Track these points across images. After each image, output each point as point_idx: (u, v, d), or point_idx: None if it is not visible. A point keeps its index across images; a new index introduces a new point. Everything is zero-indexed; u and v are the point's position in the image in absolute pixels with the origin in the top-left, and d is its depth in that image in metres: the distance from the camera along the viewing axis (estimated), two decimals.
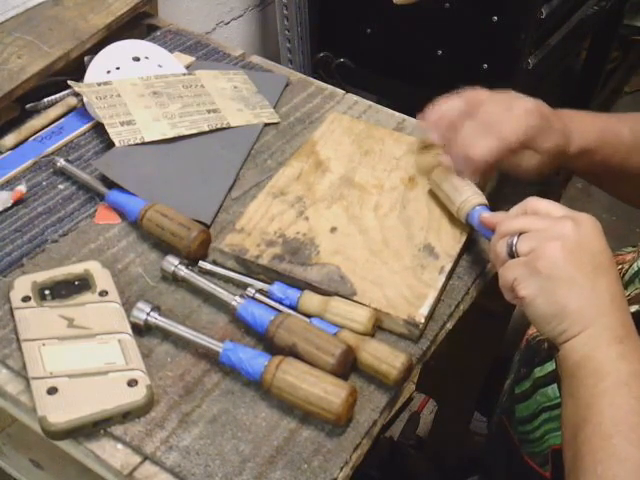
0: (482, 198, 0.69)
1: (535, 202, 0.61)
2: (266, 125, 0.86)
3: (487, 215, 0.66)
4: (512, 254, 0.59)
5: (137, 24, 0.99)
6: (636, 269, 0.71)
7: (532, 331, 0.85)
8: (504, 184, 0.77)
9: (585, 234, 0.57)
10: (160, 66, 0.90)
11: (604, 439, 0.51)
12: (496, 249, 0.61)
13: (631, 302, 0.68)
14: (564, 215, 0.59)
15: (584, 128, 0.72)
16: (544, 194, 0.79)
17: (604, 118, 0.75)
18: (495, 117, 0.68)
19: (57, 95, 0.86)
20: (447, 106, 0.72)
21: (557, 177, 0.81)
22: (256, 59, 0.98)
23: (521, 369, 0.81)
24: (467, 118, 0.70)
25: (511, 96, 0.71)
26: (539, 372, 0.75)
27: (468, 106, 0.71)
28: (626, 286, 0.72)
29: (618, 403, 0.52)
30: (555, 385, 0.74)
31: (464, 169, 0.69)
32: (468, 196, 0.69)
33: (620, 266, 0.76)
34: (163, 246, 0.70)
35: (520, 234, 0.59)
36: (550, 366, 0.76)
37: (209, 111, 0.84)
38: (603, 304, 0.55)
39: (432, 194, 0.74)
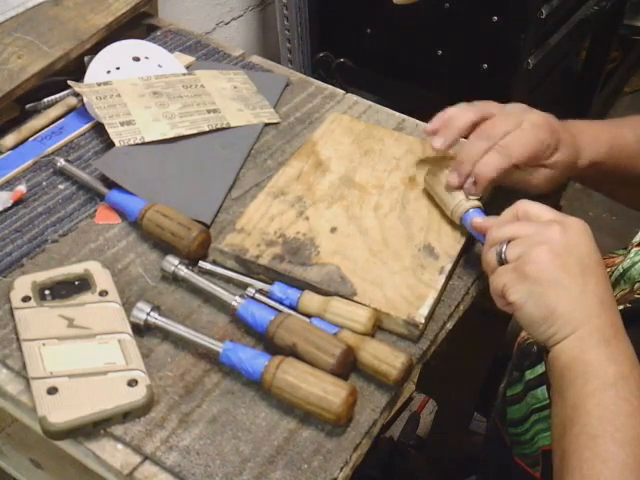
0: (474, 201, 0.69)
1: (525, 205, 0.61)
2: (266, 125, 0.86)
3: (479, 220, 0.66)
4: (502, 261, 0.59)
5: (137, 24, 0.99)
6: (621, 270, 0.71)
7: (523, 334, 0.85)
8: (503, 186, 0.76)
9: (572, 237, 0.57)
10: (160, 66, 0.90)
11: (590, 439, 0.52)
12: (486, 258, 0.61)
13: (618, 302, 0.69)
14: (552, 219, 0.59)
15: (594, 141, 0.72)
16: (544, 195, 0.79)
17: (611, 127, 0.75)
18: (503, 133, 0.67)
19: (57, 95, 0.87)
20: (457, 114, 0.70)
21: None
22: (256, 59, 0.98)
23: (513, 372, 0.81)
24: (475, 130, 0.69)
25: (521, 110, 0.70)
26: (530, 375, 0.75)
27: (478, 118, 0.70)
28: (612, 287, 0.72)
29: (605, 404, 0.53)
30: (545, 387, 0.74)
31: (469, 185, 0.69)
32: (460, 199, 0.69)
33: (609, 269, 0.76)
34: (163, 246, 0.70)
35: (509, 241, 0.59)
36: (540, 368, 0.76)
37: (209, 111, 0.84)
38: (592, 306, 0.56)
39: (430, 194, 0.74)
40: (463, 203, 0.68)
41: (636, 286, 0.68)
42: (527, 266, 0.56)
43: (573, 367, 0.55)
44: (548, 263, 0.56)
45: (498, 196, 0.76)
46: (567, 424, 0.54)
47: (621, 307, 0.68)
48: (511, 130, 0.68)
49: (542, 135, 0.68)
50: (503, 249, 0.59)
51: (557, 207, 0.84)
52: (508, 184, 0.72)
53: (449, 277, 0.68)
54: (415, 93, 1.47)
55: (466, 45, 1.43)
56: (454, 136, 0.70)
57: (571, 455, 0.52)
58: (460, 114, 0.70)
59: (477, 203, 0.69)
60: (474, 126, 0.70)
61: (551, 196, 0.80)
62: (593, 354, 0.54)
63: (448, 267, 0.68)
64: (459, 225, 0.71)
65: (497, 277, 0.59)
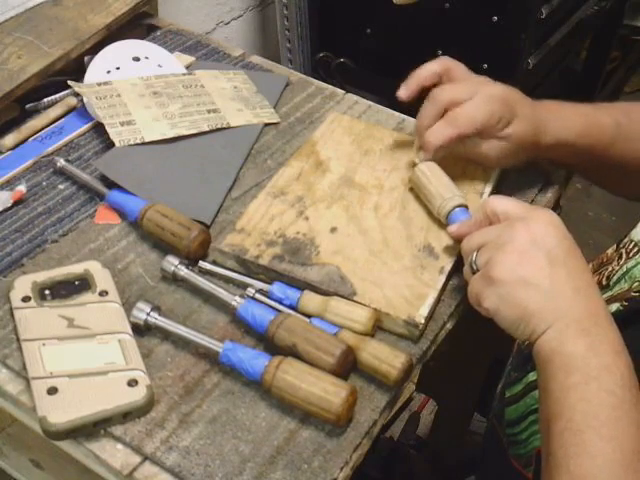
0: (454, 200, 0.68)
1: (494, 203, 0.62)
2: (266, 125, 0.86)
3: (453, 230, 0.67)
4: (474, 271, 0.60)
5: (137, 24, 0.99)
6: (624, 270, 0.71)
7: None
8: (504, 182, 0.77)
9: (537, 231, 0.57)
10: (160, 66, 0.90)
11: (575, 434, 0.51)
12: (464, 269, 0.62)
13: (614, 299, 0.68)
14: (517, 216, 0.59)
15: (565, 121, 0.72)
16: (545, 193, 0.79)
17: (586, 109, 0.75)
18: (454, 100, 0.70)
19: (57, 95, 0.86)
20: (423, 66, 0.74)
21: (558, 177, 0.81)
22: (256, 59, 0.98)
23: (511, 373, 0.81)
24: (428, 95, 0.72)
25: (480, 81, 0.73)
26: (532, 376, 0.75)
27: (442, 69, 0.73)
28: (612, 287, 0.72)
29: (588, 397, 0.52)
30: None
31: (420, 149, 0.72)
32: (445, 199, 0.69)
33: (609, 267, 0.76)
34: (163, 246, 0.70)
35: (480, 249, 0.60)
36: None
37: (209, 111, 0.84)
38: (564, 298, 0.55)
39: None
40: (447, 203, 0.69)
41: (634, 285, 0.68)
42: (493, 271, 0.57)
43: (553, 360, 0.54)
44: (512, 263, 0.56)
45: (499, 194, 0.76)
46: (551, 419, 0.53)
47: (617, 305, 0.68)
48: (464, 99, 0.70)
49: (494, 107, 0.69)
50: (473, 258, 0.60)
51: (557, 207, 0.84)
52: (462, 154, 0.74)
53: (449, 277, 0.68)
54: None
55: (466, 45, 1.43)
56: (415, 83, 0.74)
57: (557, 451, 0.52)
58: (425, 65, 0.74)
59: (461, 201, 0.69)
60: (439, 77, 0.73)
61: (551, 195, 0.80)
62: (572, 346, 0.54)
63: (448, 267, 0.68)
64: None
65: (471, 287, 0.60)
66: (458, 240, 0.65)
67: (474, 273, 0.60)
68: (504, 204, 0.61)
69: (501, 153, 0.71)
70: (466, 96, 0.70)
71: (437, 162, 0.72)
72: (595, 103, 0.78)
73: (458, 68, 0.74)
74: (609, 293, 0.71)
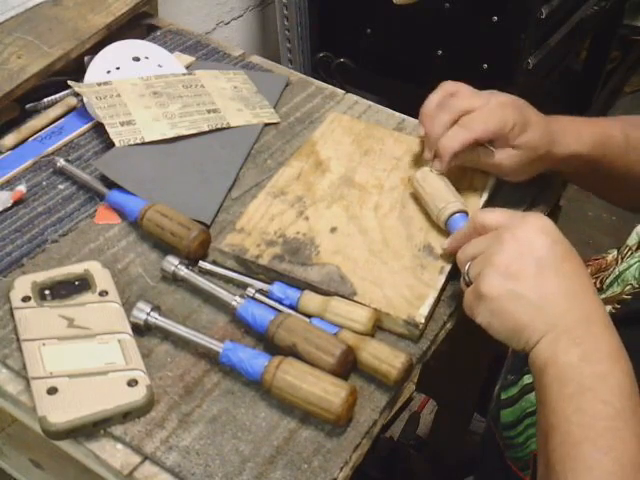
0: (447, 209, 0.68)
1: (482, 216, 0.61)
2: (266, 125, 0.86)
3: (446, 246, 0.67)
4: (468, 283, 0.60)
5: (137, 24, 0.99)
6: (617, 273, 0.71)
7: None
8: (503, 184, 0.76)
9: (525, 241, 0.56)
10: (160, 66, 0.90)
11: (573, 447, 0.51)
12: (460, 281, 0.62)
13: (607, 302, 0.69)
14: (505, 225, 0.58)
15: (578, 132, 0.72)
16: (543, 195, 0.79)
17: (596, 121, 0.75)
18: (467, 107, 0.70)
19: (57, 95, 0.87)
20: (427, 102, 0.74)
21: (556, 178, 0.81)
22: (256, 59, 0.98)
23: (507, 376, 0.81)
24: (440, 103, 0.71)
25: (490, 92, 0.72)
26: (528, 379, 0.75)
27: (444, 96, 0.72)
28: (606, 290, 0.72)
29: (584, 408, 0.51)
30: None
31: (435, 158, 0.71)
32: (443, 205, 0.68)
33: (604, 273, 0.76)
34: (163, 246, 0.70)
35: (473, 259, 0.60)
36: None
37: (209, 111, 0.84)
38: (556, 306, 0.55)
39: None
40: (442, 213, 0.68)
41: (627, 288, 0.68)
42: (481, 286, 0.56)
43: (548, 371, 0.54)
44: (499, 277, 0.56)
45: (499, 196, 0.76)
46: (549, 431, 0.52)
47: (609, 308, 0.68)
48: (477, 107, 0.69)
49: (507, 113, 0.69)
50: (466, 270, 0.60)
51: (557, 207, 0.84)
52: (477, 165, 0.73)
53: (449, 277, 0.68)
54: (415, 93, 1.46)
55: (466, 45, 1.43)
56: (425, 121, 0.73)
57: (555, 463, 0.51)
58: (426, 101, 0.73)
59: (454, 209, 0.68)
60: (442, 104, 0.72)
61: (551, 196, 0.80)
62: (564, 357, 0.53)
63: (448, 267, 0.68)
64: None
65: (465, 300, 0.59)
66: (453, 253, 0.65)
67: (468, 285, 0.60)
68: (492, 217, 0.60)
69: (516, 163, 0.71)
70: (480, 104, 0.70)
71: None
72: (604, 117, 0.79)
73: (462, 88, 0.73)
74: (602, 296, 0.71)
